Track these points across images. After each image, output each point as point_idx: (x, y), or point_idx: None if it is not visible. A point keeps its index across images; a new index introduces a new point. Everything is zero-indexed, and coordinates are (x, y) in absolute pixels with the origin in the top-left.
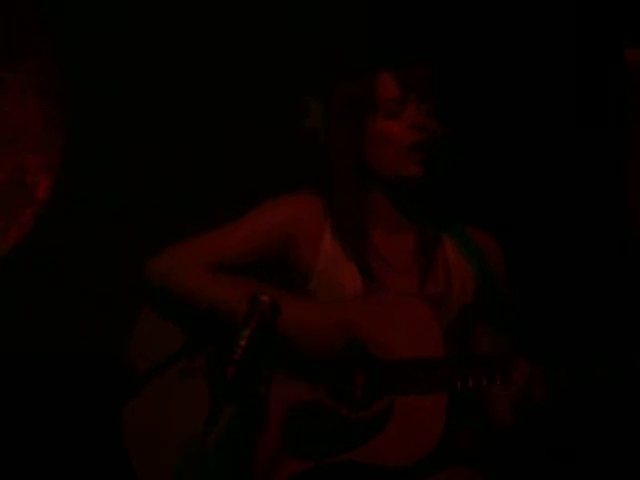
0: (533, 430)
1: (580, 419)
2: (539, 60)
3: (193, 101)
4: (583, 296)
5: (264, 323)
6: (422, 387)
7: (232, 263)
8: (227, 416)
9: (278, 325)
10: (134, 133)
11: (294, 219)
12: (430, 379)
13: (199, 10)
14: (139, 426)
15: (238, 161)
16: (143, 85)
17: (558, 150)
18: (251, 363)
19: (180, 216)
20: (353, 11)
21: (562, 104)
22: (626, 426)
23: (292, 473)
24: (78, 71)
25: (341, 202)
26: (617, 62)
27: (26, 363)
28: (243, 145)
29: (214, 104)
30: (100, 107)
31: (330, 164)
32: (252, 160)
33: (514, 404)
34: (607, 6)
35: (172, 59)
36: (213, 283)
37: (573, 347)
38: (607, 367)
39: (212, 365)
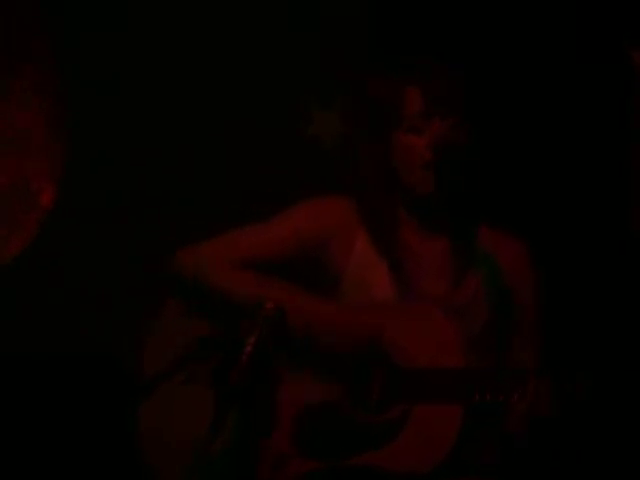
0: (546, 443)
1: (591, 431)
2: (541, 62)
3: (194, 101)
4: (586, 301)
5: (269, 329)
6: (439, 397)
7: (264, 261)
8: (233, 421)
9: (300, 324)
10: (136, 135)
11: (328, 221)
12: (448, 389)
13: (199, 10)
14: (145, 430)
15: (238, 161)
16: (144, 86)
17: (560, 153)
18: (256, 370)
19: (183, 220)
20: (353, 11)
21: (565, 106)
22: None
23: (302, 473)
24: (79, 72)
25: (371, 205)
26: (621, 64)
27: (31, 367)
28: (243, 146)
29: (214, 104)
30: (102, 108)
31: (360, 169)
32: (252, 161)
33: (523, 417)
34: (612, 7)
35: (172, 59)
36: (242, 281)
37: (576, 353)
38: (611, 376)
39: (217, 370)
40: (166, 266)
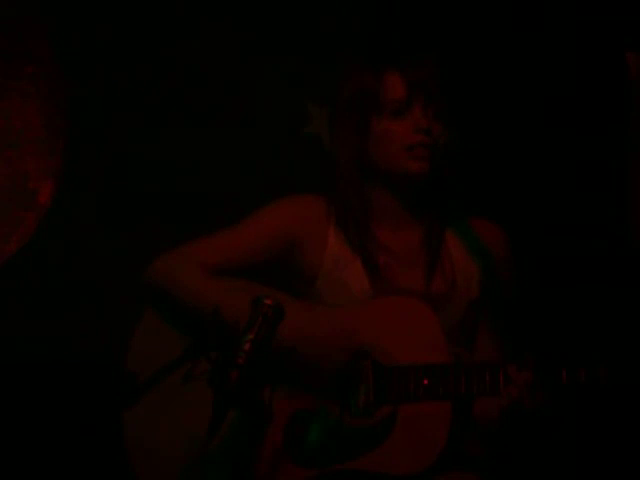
0: (537, 435)
1: (583, 425)
2: (541, 65)
3: (194, 101)
4: (584, 309)
5: (268, 326)
6: (426, 393)
7: (237, 265)
8: (230, 421)
9: (282, 335)
10: (135, 133)
11: (299, 220)
12: (434, 385)
13: (199, 10)
14: (142, 431)
15: (238, 161)
16: (144, 85)
17: (558, 156)
18: (255, 367)
19: (182, 219)
20: (353, 11)
21: (564, 109)
22: (627, 430)
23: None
24: (78, 72)
25: (345, 200)
26: (617, 66)
27: (27, 368)
28: (243, 145)
29: (214, 104)
30: (100, 107)
31: (334, 162)
32: (253, 161)
33: (503, 409)
34: (609, 10)
35: (173, 59)
36: (213, 287)
37: (573, 357)
38: (605, 370)
39: (215, 369)
40: (141, 275)
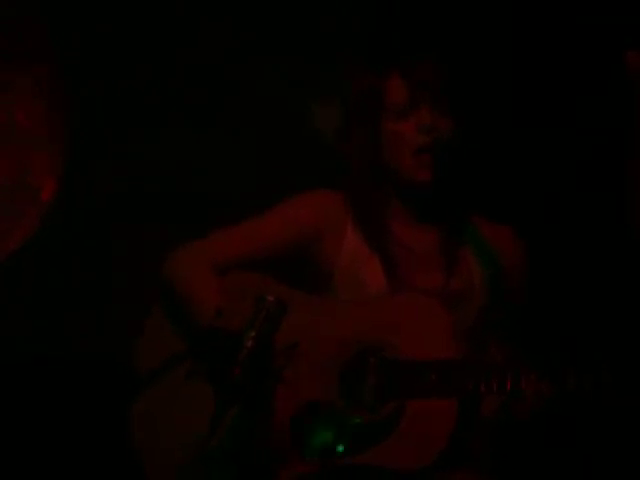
0: (541, 436)
1: (589, 426)
2: (541, 63)
3: (195, 100)
4: (582, 304)
5: (270, 322)
6: (434, 390)
7: (253, 259)
8: (232, 417)
9: (290, 331)
10: (136, 131)
11: (320, 213)
12: (442, 382)
13: (200, 10)
14: (145, 426)
15: (239, 160)
16: (144, 82)
17: (558, 153)
18: (257, 363)
19: (183, 219)
20: (353, 11)
21: (562, 106)
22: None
23: (300, 474)
24: (79, 70)
25: (362, 198)
26: (616, 66)
27: (31, 365)
28: (244, 143)
29: (215, 103)
30: (102, 105)
31: (350, 161)
32: (254, 161)
33: (506, 408)
34: (608, 9)
35: (173, 58)
36: (215, 287)
37: (573, 354)
38: (609, 376)
39: (217, 366)
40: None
